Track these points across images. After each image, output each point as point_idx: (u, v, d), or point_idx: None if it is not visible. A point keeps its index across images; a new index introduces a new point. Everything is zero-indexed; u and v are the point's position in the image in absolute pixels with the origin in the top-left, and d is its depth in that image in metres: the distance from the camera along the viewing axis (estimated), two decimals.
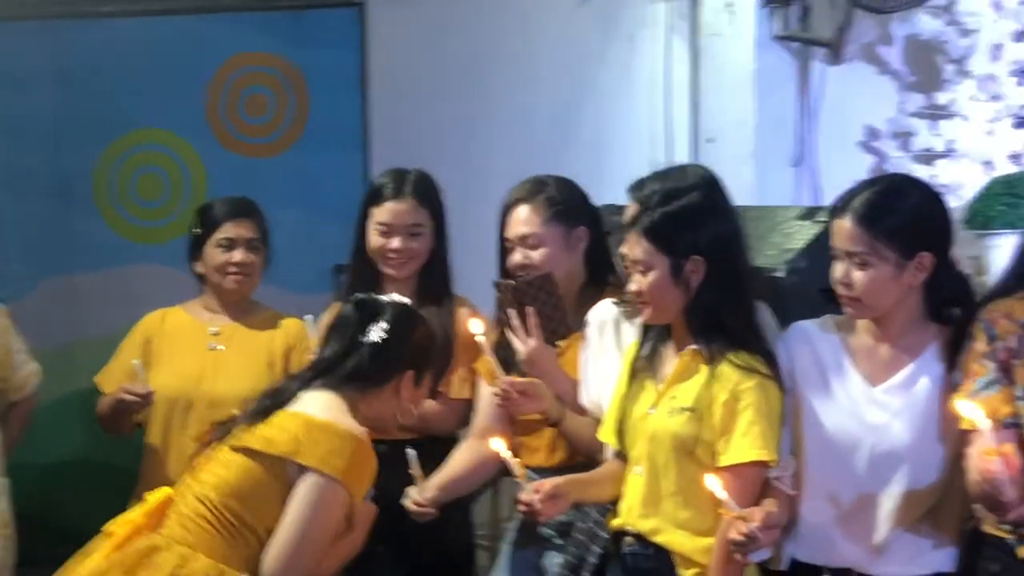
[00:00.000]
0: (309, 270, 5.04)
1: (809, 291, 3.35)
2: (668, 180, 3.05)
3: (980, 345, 2.85)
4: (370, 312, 3.19)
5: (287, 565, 2.95)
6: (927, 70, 5.29)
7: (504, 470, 3.20)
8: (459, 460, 3.54)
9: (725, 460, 2.89)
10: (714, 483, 2.77)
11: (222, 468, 3.04)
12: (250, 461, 3.02)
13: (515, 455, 3.18)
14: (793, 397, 2.97)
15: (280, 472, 2.99)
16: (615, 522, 3.08)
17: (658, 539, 2.98)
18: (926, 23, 5.26)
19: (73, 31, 5.45)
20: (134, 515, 3.09)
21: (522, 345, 3.38)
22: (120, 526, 3.07)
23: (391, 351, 3.15)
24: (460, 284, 3.85)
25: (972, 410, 2.67)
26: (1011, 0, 5.19)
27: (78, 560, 3.07)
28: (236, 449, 3.05)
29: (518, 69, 5.44)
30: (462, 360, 3.69)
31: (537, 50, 5.45)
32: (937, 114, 5.27)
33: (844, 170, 4.70)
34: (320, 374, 3.14)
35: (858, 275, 2.88)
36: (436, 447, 3.61)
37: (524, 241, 3.47)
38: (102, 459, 5.01)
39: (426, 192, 3.76)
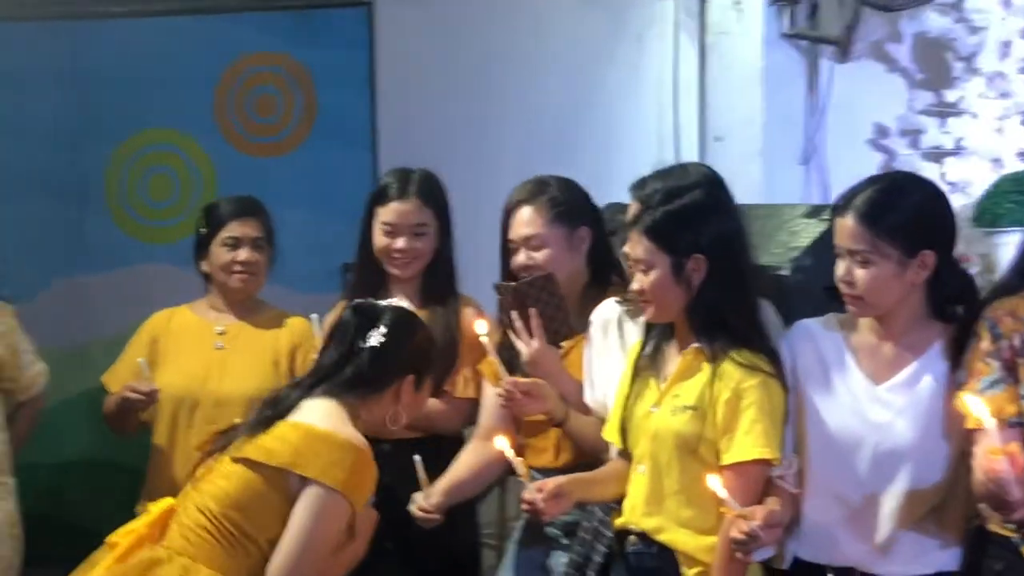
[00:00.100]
0: (317, 269, 5.05)
1: (814, 289, 3.35)
2: (670, 179, 3.05)
3: (984, 344, 2.84)
4: (369, 317, 3.18)
5: None
6: (936, 68, 5.29)
7: (511, 470, 3.20)
8: (464, 463, 3.53)
9: (728, 458, 2.89)
10: (715, 482, 2.77)
11: (222, 479, 3.04)
12: (250, 472, 3.01)
13: (521, 456, 3.18)
14: (796, 395, 2.96)
15: (280, 483, 2.98)
16: (619, 521, 3.08)
17: (661, 538, 2.98)
18: (934, 20, 5.25)
19: (82, 32, 5.46)
20: (137, 525, 3.10)
21: (525, 346, 3.37)
22: (123, 537, 3.08)
23: (390, 356, 3.14)
24: (470, 283, 3.84)
25: (979, 406, 2.66)
26: None
27: (82, 571, 3.09)
28: (236, 460, 3.04)
29: (526, 68, 5.44)
30: (467, 360, 3.69)
31: (545, 49, 5.45)
32: (946, 112, 5.27)
33: (853, 168, 4.67)
34: (320, 381, 3.13)
35: (860, 273, 2.88)
36: (441, 446, 3.61)
37: (528, 242, 3.46)
38: (111, 459, 5.02)
39: (431, 192, 3.76)
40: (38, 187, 5.42)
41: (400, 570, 3.63)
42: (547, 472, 3.32)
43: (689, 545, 2.95)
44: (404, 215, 3.71)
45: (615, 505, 3.11)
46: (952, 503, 2.91)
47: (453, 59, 5.39)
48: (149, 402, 3.82)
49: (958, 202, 4.98)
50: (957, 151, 5.24)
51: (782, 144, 5.23)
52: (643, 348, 3.10)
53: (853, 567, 2.93)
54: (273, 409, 3.10)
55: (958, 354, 2.89)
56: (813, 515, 2.96)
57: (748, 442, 2.87)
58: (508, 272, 3.51)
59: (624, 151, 5.32)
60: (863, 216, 2.86)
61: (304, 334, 3.92)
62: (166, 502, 3.12)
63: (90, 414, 4.53)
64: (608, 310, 3.35)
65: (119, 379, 3.95)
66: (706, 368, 2.95)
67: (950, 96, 5.26)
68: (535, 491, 3.03)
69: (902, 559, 2.91)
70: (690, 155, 5.24)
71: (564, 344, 3.43)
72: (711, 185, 3.04)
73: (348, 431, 3.03)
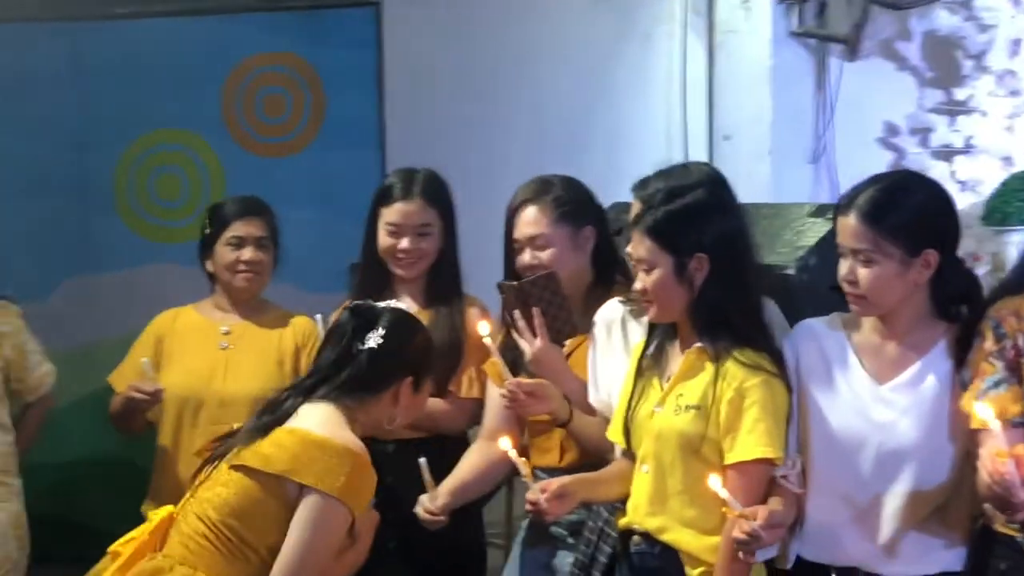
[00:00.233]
0: (325, 269, 5.03)
1: (819, 288, 3.34)
2: (671, 178, 3.05)
3: (988, 343, 2.83)
4: (367, 319, 3.17)
5: None
6: (945, 66, 5.28)
7: (516, 470, 3.20)
8: (469, 464, 3.53)
9: (731, 458, 2.88)
10: (716, 482, 2.76)
11: (221, 487, 3.03)
12: (248, 479, 3.00)
13: (525, 456, 3.18)
14: (799, 395, 2.96)
15: (278, 490, 2.97)
16: (622, 521, 3.08)
17: (665, 538, 2.97)
18: (944, 19, 5.25)
19: (91, 33, 5.47)
20: (138, 533, 3.10)
21: (528, 346, 3.36)
22: (125, 546, 3.08)
23: (389, 358, 3.12)
24: (477, 283, 3.83)
25: (986, 411, 2.66)
26: None
27: None
28: (235, 467, 3.03)
29: (534, 68, 5.45)
30: (472, 360, 3.68)
31: (554, 49, 5.46)
32: (955, 110, 5.26)
33: (862, 167, 4.63)
34: (318, 384, 3.12)
35: (863, 272, 2.87)
36: (445, 447, 3.61)
37: (533, 242, 3.46)
38: (119, 459, 5.02)
39: (435, 192, 3.75)
40: (47, 187, 5.43)
41: (403, 570, 3.62)
42: (551, 472, 3.32)
43: (693, 545, 2.94)
44: (408, 215, 3.71)
45: (620, 505, 3.11)
46: (956, 503, 2.90)
47: (461, 59, 5.39)
48: (153, 402, 3.83)
49: (968, 201, 4.99)
50: (967, 149, 5.23)
51: (791, 143, 5.23)
52: (646, 348, 3.10)
53: (857, 567, 2.93)
54: (271, 415, 3.09)
55: (962, 354, 2.88)
56: (816, 515, 2.95)
57: (751, 441, 2.87)
58: (512, 272, 3.51)
59: (632, 150, 5.32)
60: (866, 215, 2.86)
61: (309, 334, 3.93)
62: (166, 510, 3.12)
63: (97, 414, 4.53)
64: (612, 310, 3.34)
65: (125, 379, 3.95)
66: (709, 368, 2.94)
67: (960, 94, 5.26)
68: (539, 491, 3.02)
69: (906, 559, 2.90)
70: (698, 154, 5.24)
71: (568, 343, 3.43)
72: (713, 184, 3.03)
73: (345, 436, 3.01)
